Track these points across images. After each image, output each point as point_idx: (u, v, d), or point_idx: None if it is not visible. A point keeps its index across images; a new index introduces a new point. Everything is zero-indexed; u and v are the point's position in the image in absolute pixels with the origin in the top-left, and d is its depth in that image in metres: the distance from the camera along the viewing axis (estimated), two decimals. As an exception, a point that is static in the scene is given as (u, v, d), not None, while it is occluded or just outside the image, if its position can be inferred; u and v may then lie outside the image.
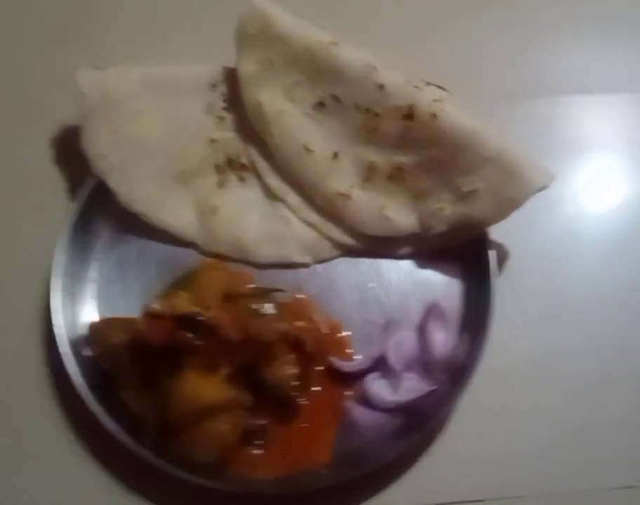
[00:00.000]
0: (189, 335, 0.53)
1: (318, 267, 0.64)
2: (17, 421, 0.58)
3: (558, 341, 0.62)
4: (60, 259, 0.60)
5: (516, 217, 0.60)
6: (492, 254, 0.61)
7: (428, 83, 0.63)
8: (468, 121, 0.61)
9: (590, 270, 0.65)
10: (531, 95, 0.72)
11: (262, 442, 0.56)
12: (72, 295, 0.60)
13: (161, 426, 0.53)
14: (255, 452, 0.55)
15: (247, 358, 0.54)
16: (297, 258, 0.63)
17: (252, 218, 0.64)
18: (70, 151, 0.65)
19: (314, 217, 0.64)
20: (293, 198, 0.64)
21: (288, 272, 0.63)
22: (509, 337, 0.60)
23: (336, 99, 0.63)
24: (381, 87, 0.62)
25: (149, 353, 0.53)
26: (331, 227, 0.64)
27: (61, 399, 0.58)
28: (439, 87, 0.64)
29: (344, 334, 0.61)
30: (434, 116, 0.60)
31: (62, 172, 0.67)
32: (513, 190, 0.59)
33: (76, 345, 0.58)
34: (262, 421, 0.55)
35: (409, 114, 0.61)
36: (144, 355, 0.53)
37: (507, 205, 0.59)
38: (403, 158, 0.62)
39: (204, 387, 0.53)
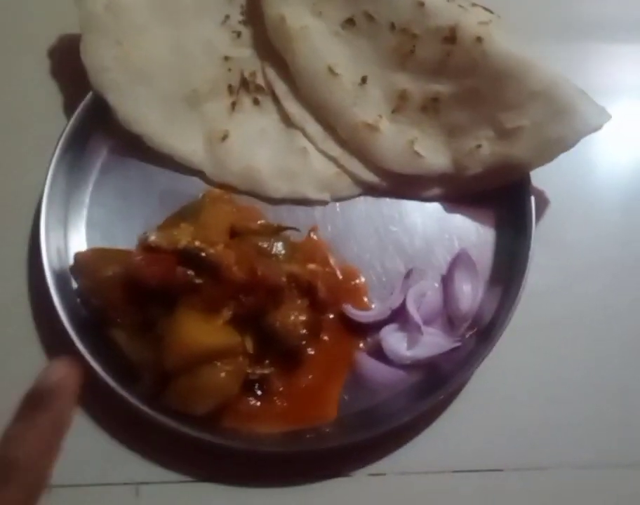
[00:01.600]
0: (190, 273, 0.50)
1: (336, 206, 0.61)
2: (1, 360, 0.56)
3: (597, 298, 0.59)
4: (52, 181, 0.57)
5: (557, 159, 0.56)
6: (532, 201, 0.58)
7: (474, 4, 0.60)
8: (516, 49, 0.57)
9: (633, 222, 0.62)
10: (573, 36, 0.69)
11: (263, 393, 0.53)
12: (64, 221, 0.57)
13: (155, 370, 0.51)
14: (256, 403, 0.53)
15: (252, 301, 0.51)
16: (314, 194, 0.60)
17: (266, 147, 0.61)
18: (68, 63, 0.62)
19: (335, 149, 0.61)
20: (313, 126, 0.61)
21: (302, 209, 0.61)
22: (542, 292, 0.57)
23: (368, 16, 0.60)
24: (420, 4, 0.58)
25: (145, 289, 0.50)
26: (354, 161, 0.61)
27: (48, 336, 0.56)
28: (486, 9, 0.60)
29: (360, 281, 0.58)
30: (478, 40, 0.57)
31: (59, 86, 0.64)
32: (562, 129, 0.56)
33: (64, 276, 0.55)
34: (265, 371, 0.53)
35: (451, 37, 0.58)
36: (139, 291, 0.51)
37: (554, 147, 0.56)
38: (440, 87, 0.59)
39: (204, 330, 0.50)
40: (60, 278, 0.54)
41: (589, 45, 0.69)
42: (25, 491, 0.33)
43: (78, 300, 0.54)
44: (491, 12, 0.59)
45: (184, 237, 0.51)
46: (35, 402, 0.33)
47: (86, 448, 0.52)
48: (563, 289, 0.59)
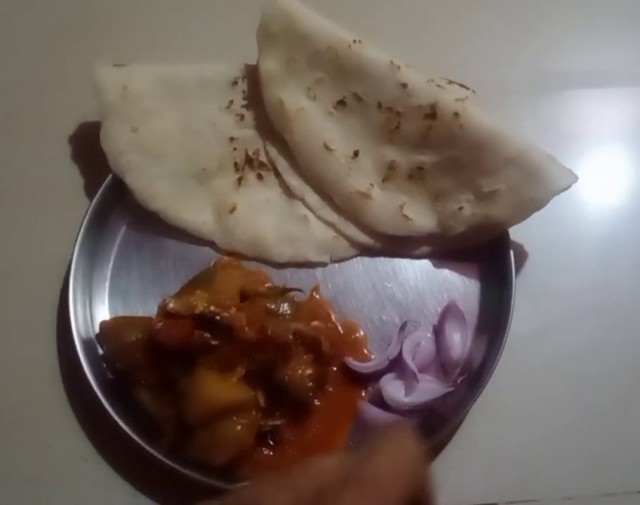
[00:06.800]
0: (207, 335, 0.53)
1: (335, 266, 0.64)
2: (32, 420, 0.58)
3: (575, 341, 0.62)
4: (77, 257, 0.60)
5: (533, 216, 0.60)
6: (511, 255, 0.61)
7: (450, 82, 0.63)
8: (490, 121, 0.60)
9: (609, 269, 0.65)
10: (540, 90, 0.73)
11: (275, 443, 0.56)
12: (89, 293, 0.61)
13: (177, 426, 0.53)
14: (269, 452, 0.55)
15: (263, 358, 0.54)
16: (315, 257, 0.63)
17: (270, 217, 0.64)
18: (88, 148, 0.65)
19: (332, 216, 0.64)
20: (312, 196, 0.64)
21: (304, 271, 0.63)
22: (525, 337, 0.60)
23: (358, 97, 0.63)
24: (404, 86, 0.62)
25: (166, 352, 0.53)
26: (350, 226, 0.64)
27: (76, 398, 0.59)
28: (462, 85, 0.63)
29: (360, 334, 0.61)
30: (456, 115, 0.60)
31: (80, 169, 0.67)
32: (535, 191, 0.59)
33: (91, 343, 0.58)
34: (277, 422, 0.55)
35: (431, 113, 0.61)
36: (160, 354, 0.53)
37: (528, 206, 0.59)
38: (424, 158, 0.62)
39: (220, 387, 0.53)
40: (87, 344, 0.57)
41: (554, 96, 0.72)
42: None
43: (104, 364, 0.57)
44: (467, 88, 0.63)
45: (200, 303, 0.53)
46: None
47: (113, 500, 0.55)
48: (544, 334, 0.61)
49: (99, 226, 0.62)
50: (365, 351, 0.60)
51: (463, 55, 0.73)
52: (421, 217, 0.62)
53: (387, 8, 0.76)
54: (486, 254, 0.62)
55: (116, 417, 0.54)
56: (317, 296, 0.62)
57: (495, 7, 0.77)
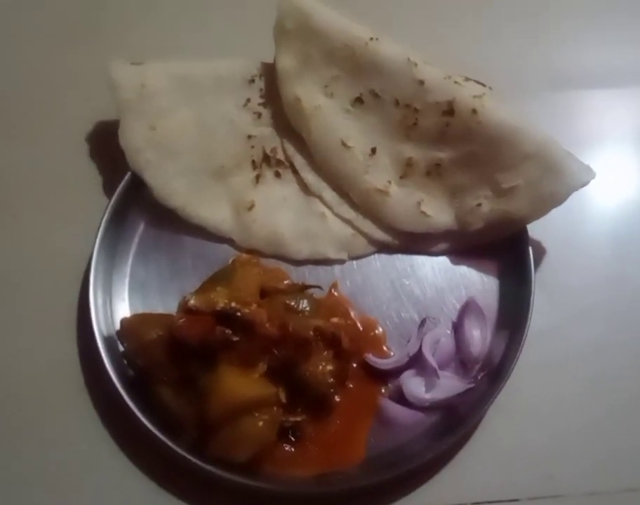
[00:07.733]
0: (228, 331, 0.53)
1: (353, 263, 0.64)
2: (52, 418, 0.58)
3: (596, 338, 0.62)
4: (97, 254, 0.60)
5: (551, 213, 0.60)
6: (530, 251, 0.61)
7: (467, 79, 0.63)
8: (508, 116, 0.61)
9: (627, 266, 0.65)
10: (555, 88, 0.73)
11: (296, 439, 0.56)
12: (110, 290, 0.61)
13: (199, 423, 0.53)
14: (290, 449, 0.55)
15: (284, 354, 0.54)
16: (333, 254, 0.63)
17: (288, 214, 0.64)
18: (105, 146, 0.66)
19: (350, 213, 0.64)
20: (330, 193, 0.64)
21: (322, 268, 0.63)
22: (544, 332, 0.61)
23: (375, 94, 0.63)
24: (421, 82, 0.62)
25: (187, 348, 0.53)
26: (367, 223, 0.64)
27: (97, 395, 0.59)
28: (478, 82, 0.63)
29: (379, 331, 0.61)
30: (474, 111, 0.60)
31: (98, 167, 0.68)
32: (554, 186, 0.59)
33: (111, 340, 0.58)
34: (298, 418, 0.55)
35: (449, 110, 0.61)
36: (181, 351, 0.53)
37: (547, 202, 0.59)
38: (442, 154, 0.62)
39: (242, 383, 0.53)
40: (108, 341, 0.57)
41: (568, 95, 0.73)
42: None
43: (125, 361, 0.57)
44: (484, 85, 0.63)
45: (221, 299, 0.54)
46: None
47: (135, 497, 0.55)
48: (563, 329, 0.62)
49: (118, 224, 0.62)
50: (385, 348, 0.60)
51: (478, 53, 0.73)
52: (439, 214, 0.63)
53: (402, 6, 0.77)
54: (504, 250, 0.63)
55: (138, 414, 0.54)
56: (336, 293, 0.62)
57: (511, 5, 0.78)
